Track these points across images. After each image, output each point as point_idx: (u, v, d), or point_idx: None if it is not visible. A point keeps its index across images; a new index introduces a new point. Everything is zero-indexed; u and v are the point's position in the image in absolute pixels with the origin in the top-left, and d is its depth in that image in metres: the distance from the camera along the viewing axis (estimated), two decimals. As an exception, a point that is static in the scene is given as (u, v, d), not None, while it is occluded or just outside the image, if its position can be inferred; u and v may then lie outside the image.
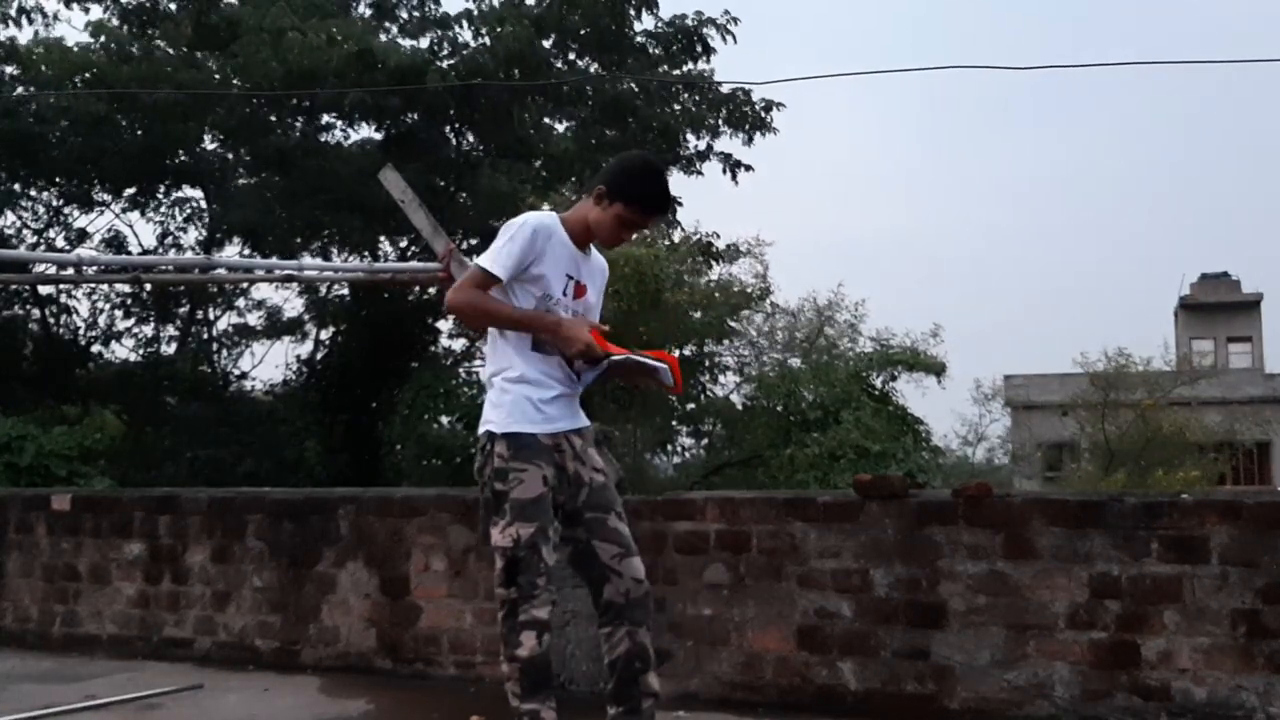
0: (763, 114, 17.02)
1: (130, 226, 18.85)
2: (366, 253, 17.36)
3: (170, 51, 16.58)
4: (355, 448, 17.24)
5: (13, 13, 16.62)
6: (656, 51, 17.05)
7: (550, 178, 15.69)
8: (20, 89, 16.28)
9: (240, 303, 19.53)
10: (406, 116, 16.42)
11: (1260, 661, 3.80)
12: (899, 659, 4.22)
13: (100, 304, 18.74)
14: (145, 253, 17.24)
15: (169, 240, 18.34)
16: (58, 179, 17.24)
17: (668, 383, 3.30)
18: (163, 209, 18.44)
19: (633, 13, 16.56)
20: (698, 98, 17.44)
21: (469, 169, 16.45)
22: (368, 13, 17.45)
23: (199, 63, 16.36)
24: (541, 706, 3.13)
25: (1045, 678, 4.02)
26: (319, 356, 19.26)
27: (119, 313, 18.87)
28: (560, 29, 16.55)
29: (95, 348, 19.11)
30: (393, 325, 17.55)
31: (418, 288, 15.83)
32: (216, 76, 16.18)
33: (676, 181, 17.59)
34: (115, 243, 18.08)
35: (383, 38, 16.20)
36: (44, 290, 17.43)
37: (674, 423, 17.50)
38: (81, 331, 18.98)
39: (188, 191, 18.51)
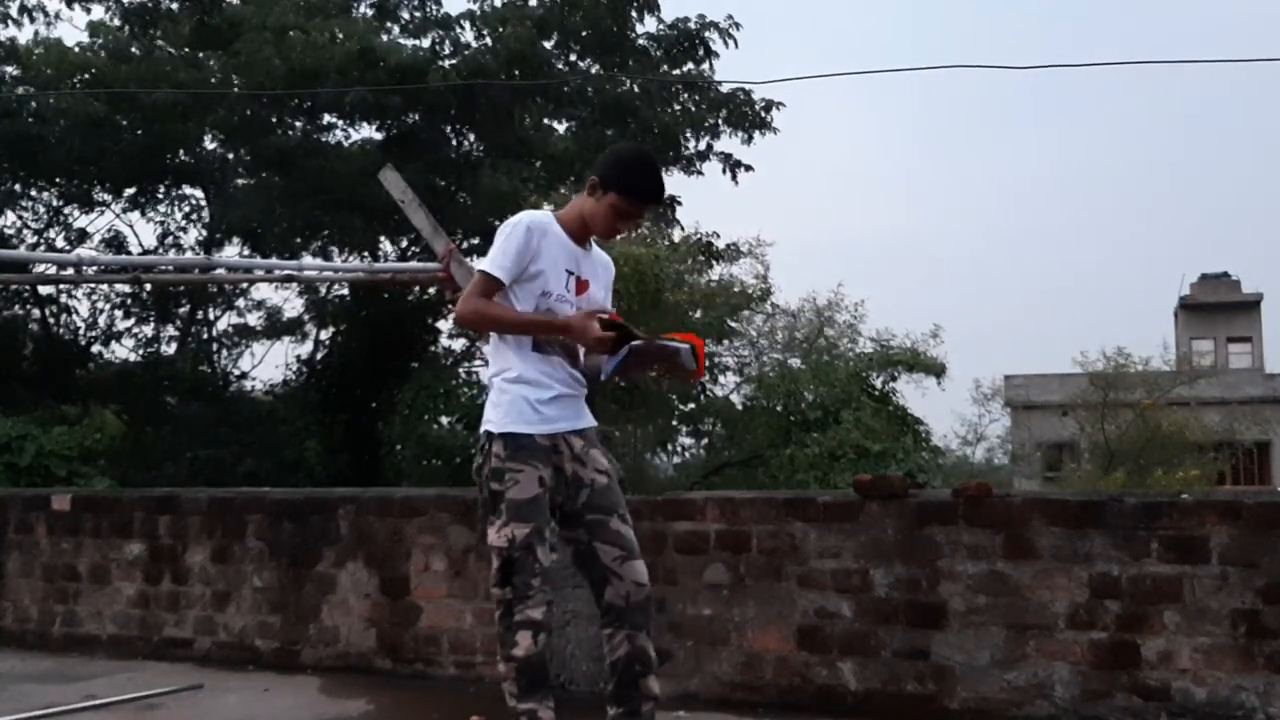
0: (762, 113, 17.04)
1: (130, 226, 18.92)
2: (366, 253, 17.37)
3: (171, 51, 16.59)
4: (355, 448, 17.24)
5: (13, 12, 16.64)
6: (658, 54, 17.06)
7: (550, 178, 15.68)
8: (20, 89, 16.29)
9: (240, 303, 19.57)
10: (407, 116, 16.42)
11: (1260, 661, 3.80)
12: (899, 659, 4.21)
13: (100, 304, 18.79)
14: (145, 253, 17.26)
15: (169, 240, 18.39)
16: (58, 179, 17.24)
17: (690, 366, 3.24)
18: (162, 209, 18.48)
19: (635, 15, 16.57)
20: (697, 98, 17.44)
21: (469, 169, 16.45)
22: (369, 12, 17.45)
23: (199, 63, 16.36)
24: (539, 706, 3.13)
25: (1045, 678, 4.02)
26: (319, 356, 19.27)
27: (119, 313, 18.91)
28: (562, 30, 16.56)
29: (95, 348, 19.13)
30: (393, 325, 17.55)
31: (418, 288, 15.84)
32: (217, 76, 16.18)
33: (676, 181, 17.62)
34: (115, 243, 18.09)
35: (384, 37, 16.21)
36: (44, 290, 17.44)
37: (674, 423, 17.49)
38: (81, 331, 19.00)
39: (188, 191, 18.55)
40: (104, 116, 15.49)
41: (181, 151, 17.23)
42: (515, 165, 15.92)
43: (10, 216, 17.55)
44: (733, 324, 17.14)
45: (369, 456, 16.81)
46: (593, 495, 3.28)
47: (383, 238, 17.34)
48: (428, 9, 17.63)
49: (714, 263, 16.34)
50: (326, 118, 17.08)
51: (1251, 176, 76.38)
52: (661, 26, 16.92)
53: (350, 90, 14.81)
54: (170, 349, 19.30)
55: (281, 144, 16.48)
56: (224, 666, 5.31)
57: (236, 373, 19.87)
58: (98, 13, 16.96)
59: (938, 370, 16.96)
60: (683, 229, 16.65)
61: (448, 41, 16.59)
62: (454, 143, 17.53)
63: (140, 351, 19.07)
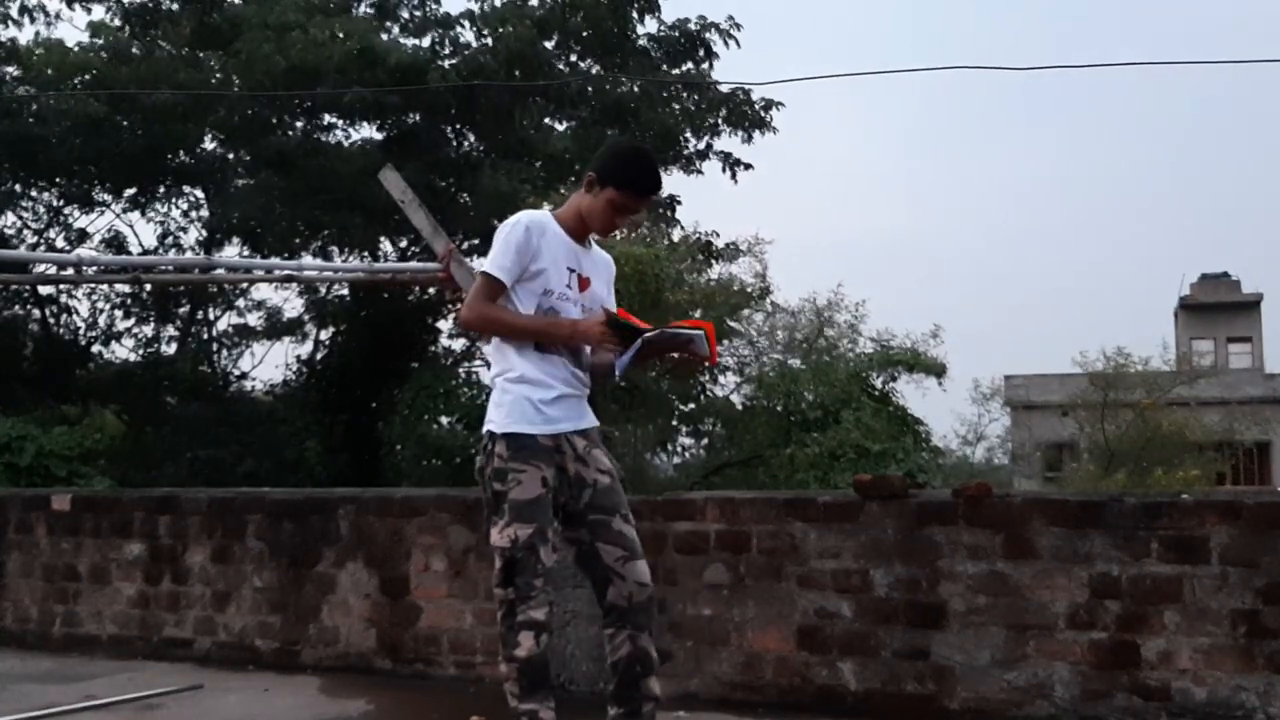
0: (762, 113, 17.03)
1: (130, 226, 18.92)
2: (366, 253, 17.36)
3: (171, 51, 16.59)
4: (355, 448, 17.24)
5: (14, 13, 16.64)
6: (658, 54, 17.06)
7: (550, 178, 15.68)
8: (21, 89, 16.30)
9: (240, 303, 19.58)
10: (407, 116, 16.42)
11: (1260, 661, 3.80)
12: (899, 659, 4.21)
13: (100, 304, 18.79)
14: (145, 253, 17.26)
15: (169, 240, 18.38)
16: (58, 179, 17.24)
17: (703, 352, 3.24)
18: (162, 209, 18.49)
19: (635, 15, 16.57)
20: (697, 97, 17.44)
21: (469, 169, 16.45)
22: (369, 11, 17.45)
23: (200, 63, 16.36)
24: (540, 706, 3.13)
25: (1045, 678, 4.02)
26: (319, 356, 19.27)
27: (119, 313, 18.91)
28: (562, 30, 16.55)
29: (95, 348, 19.13)
30: (393, 325, 17.55)
31: (418, 288, 15.84)
32: (217, 76, 16.18)
33: (676, 181, 17.63)
34: (115, 243, 18.09)
35: (384, 36, 16.21)
36: (44, 290, 17.44)
37: (674, 423, 17.50)
38: (81, 331, 19.00)
39: (188, 191, 18.54)
40: (104, 117, 15.49)
41: (181, 151, 17.22)
42: (515, 165, 15.92)
43: (10, 217, 17.58)
44: (732, 323, 17.14)
45: (369, 456, 16.81)
46: (595, 495, 3.27)
47: (383, 238, 17.34)
48: (427, 8, 17.64)
49: (713, 262, 16.35)
50: (326, 117, 17.08)
51: (1251, 176, 76.47)
52: (662, 27, 16.92)
53: (350, 90, 14.81)
54: (170, 349, 19.31)
55: (281, 144, 16.48)
56: (224, 666, 5.31)
57: (236, 373, 19.90)
58: (98, 13, 17.00)
59: (938, 370, 16.99)
60: (683, 229, 16.68)
61: (448, 41, 16.59)
62: (454, 143, 17.52)
63: (140, 351, 19.10)
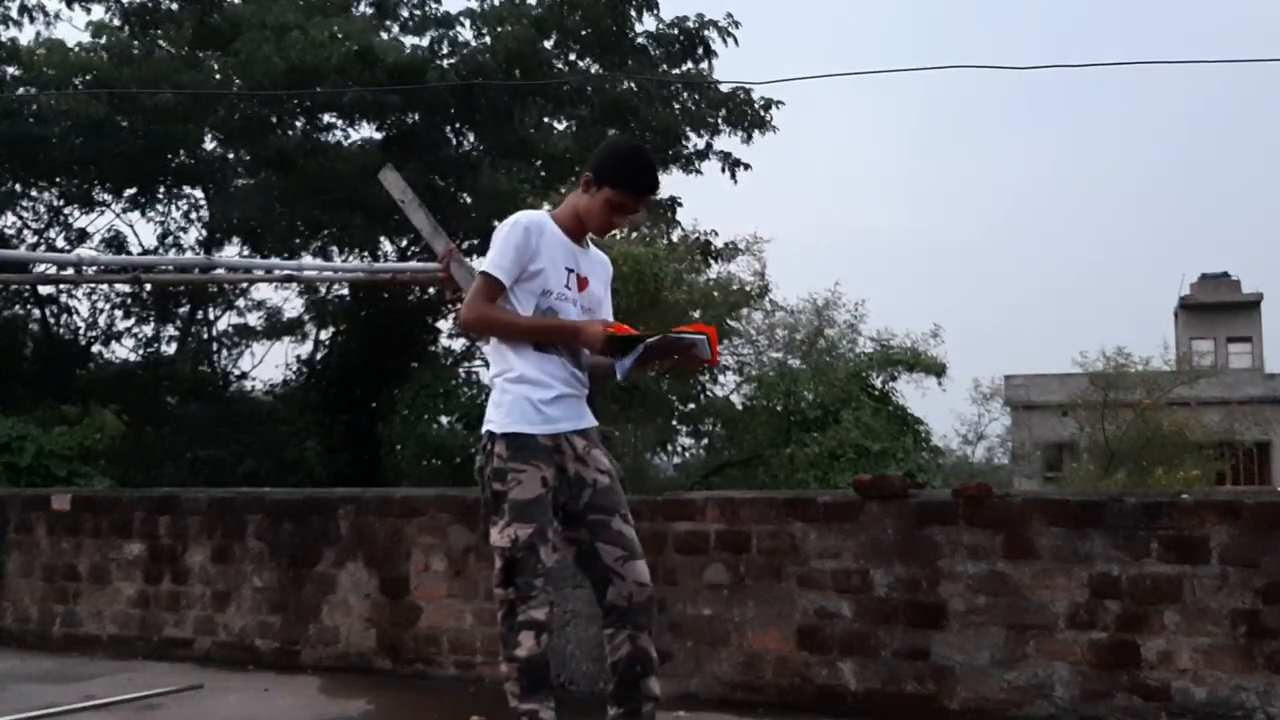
0: (762, 112, 17.04)
1: (130, 226, 18.94)
2: (366, 253, 17.37)
3: (171, 52, 16.59)
4: (355, 448, 17.24)
5: (14, 13, 16.64)
6: (657, 53, 17.06)
7: (550, 178, 15.69)
8: (21, 89, 16.29)
9: (240, 303, 19.59)
10: (407, 116, 16.43)
11: (1260, 661, 3.80)
12: (899, 659, 4.21)
13: (100, 304, 18.80)
14: (145, 253, 17.25)
15: (169, 240, 18.38)
16: (58, 179, 17.25)
17: (705, 355, 3.25)
18: (162, 209, 18.48)
19: (634, 14, 16.57)
20: (697, 97, 17.44)
21: (469, 169, 16.45)
22: (369, 11, 17.45)
23: (200, 63, 16.36)
24: (540, 706, 3.13)
25: (1045, 678, 4.02)
26: (319, 356, 19.28)
27: (119, 313, 18.92)
28: (561, 29, 16.56)
29: (95, 348, 19.13)
30: (393, 325, 17.56)
31: (418, 288, 15.84)
32: (217, 76, 16.18)
33: (676, 180, 17.63)
34: (115, 243, 18.09)
35: (383, 36, 16.21)
36: (44, 290, 17.45)
37: (674, 423, 17.50)
38: (81, 331, 19.00)
39: (188, 191, 18.54)
40: (104, 117, 15.50)
41: (181, 152, 17.22)
42: (515, 165, 15.93)
43: (10, 216, 17.58)
44: (732, 323, 17.14)
45: (369, 456, 16.81)
46: (595, 495, 3.27)
47: (383, 238, 17.35)
48: (427, 7, 17.66)
49: (712, 261, 16.34)
50: (326, 117, 17.09)
51: (1251, 176, 76.48)
52: (661, 25, 16.93)
53: (349, 90, 14.81)
54: (170, 349, 19.32)
55: (281, 144, 16.49)
56: (224, 666, 5.31)
57: (236, 373, 19.92)
58: (98, 13, 16.99)
59: (938, 370, 16.99)
60: (682, 229, 16.68)
61: (447, 40, 16.60)
62: (453, 142, 17.53)
63: (140, 351, 19.11)
